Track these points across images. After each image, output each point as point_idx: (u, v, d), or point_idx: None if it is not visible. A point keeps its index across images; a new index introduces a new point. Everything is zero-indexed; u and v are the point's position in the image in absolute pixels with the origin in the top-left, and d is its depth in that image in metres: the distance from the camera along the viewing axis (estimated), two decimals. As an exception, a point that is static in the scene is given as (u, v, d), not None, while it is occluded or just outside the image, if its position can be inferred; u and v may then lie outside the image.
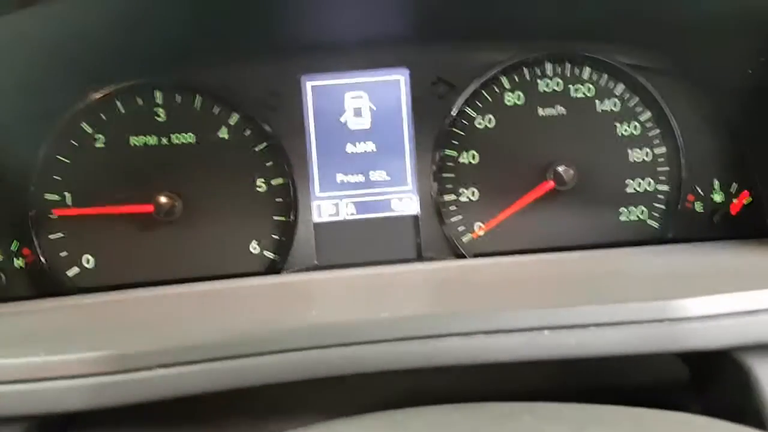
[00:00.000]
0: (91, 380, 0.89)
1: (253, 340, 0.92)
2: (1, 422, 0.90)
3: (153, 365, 0.90)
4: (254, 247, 1.60)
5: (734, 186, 1.64)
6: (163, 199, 1.53)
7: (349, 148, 1.63)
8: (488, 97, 1.63)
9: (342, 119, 1.63)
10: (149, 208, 1.53)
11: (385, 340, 0.93)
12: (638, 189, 1.64)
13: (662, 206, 1.64)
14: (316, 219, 1.61)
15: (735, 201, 1.61)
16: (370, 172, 1.63)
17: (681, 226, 1.62)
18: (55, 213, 1.55)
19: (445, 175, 1.63)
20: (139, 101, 1.58)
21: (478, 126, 1.63)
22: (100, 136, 1.57)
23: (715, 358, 0.99)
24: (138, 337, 0.98)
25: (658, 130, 1.64)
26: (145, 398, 0.89)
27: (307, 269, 1.59)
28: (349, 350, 0.93)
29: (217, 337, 0.93)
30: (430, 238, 1.61)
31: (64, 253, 1.56)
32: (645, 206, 1.64)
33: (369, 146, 1.63)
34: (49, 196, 1.55)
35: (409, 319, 0.95)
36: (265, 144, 1.60)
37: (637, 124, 1.64)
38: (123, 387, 0.89)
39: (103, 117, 1.57)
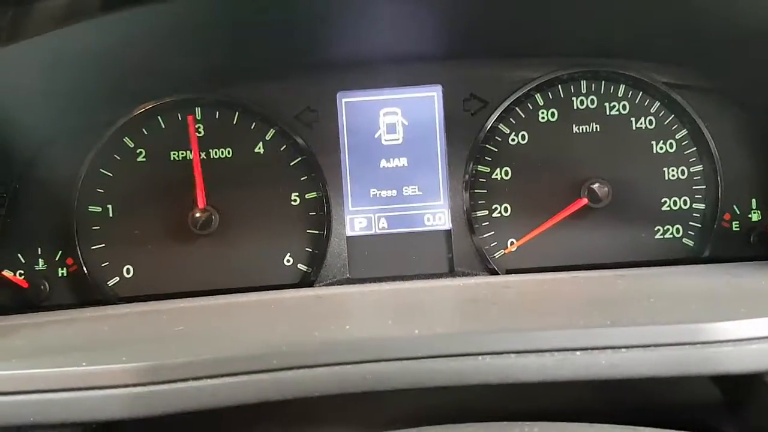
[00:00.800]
0: (129, 390, 0.92)
1: (285, 354, 0.94)
2: (43, 429, 0.93)
3: (188, 377, 0.92)
4: (288, 260, 1.62)
5: (772, 205, 1.62)
6: (199, 213, 1.57)
7: (383, 163, 1.65)
8: (521, 113, 1.64)
9: (376, 135, 1.65)
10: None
11: (416, 357, 0.94)
12: (674, 207, 1.63)
13: (698, 225, 1.63)
14: (349, 233, 1.63)
15: (773, 221, 1.59)
16: (403, 187, 1.65)
17: (717, 245, 1.60)
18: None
19: (477, 190, 1.63)
20: (180, 117, 1.62)
21: (511, 142, 1.64)
22: (142, 150, 1.62)
23: (748, 381, 0.97)
24: (174, 349, 1.00)
25: (694, 148, 1.62)
26: (181, 409, 0.92)
27: (340, 282, 1.61)
28: (381, 366, 0.94)
29: (250, 350, 0.95)
30: (462, 253, 1.62)
31: (105, 263, 1.61)
32: (681, 225, 1.63)
33: (402, 161, 1.65)
34: (92, 208, 1.60)
35: (441, 336, 0.96)
36: (300, 159, 1.63)
37: (673, 142, 1.63)
38: (159, 398, 0.91)
39: (145, 132, 1.62)
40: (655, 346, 0.93)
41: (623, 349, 0.93)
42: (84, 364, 0.94)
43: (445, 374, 0.94)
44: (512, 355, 0.94)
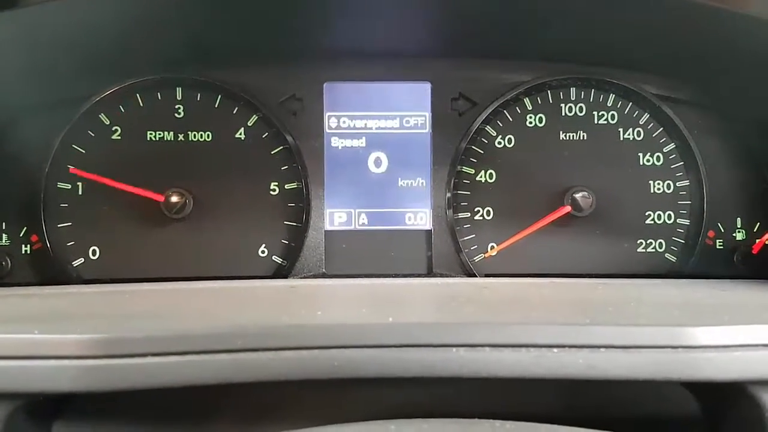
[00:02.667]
0: (82, 362, 0.86)
1: (250, 335, 0.89)
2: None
3: (146, 352, 0.87)
4: (263, 251, 1.58)
5: (757, 225, 1.60)
6: (174, 197, 1.52)
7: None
8: (509, 116, 1.61)
9: (361, 128, 1.62)
10: (160, 197, 1.52)
11: (387, 345, 0.90)
12: (658, 221, 1.61)
13: (681, 240, 1.61)
14: (327, 227, 1.59)
15: (758, 240, 1.57)
16: (386, 184, 1.61)
17: (700, 262, 1.58)
18: (71, 171, 1.53)
19: (460, 192, 1.60)
20: (159, 96, 1.58)
21: (497, 145, 1.61)
22: (118, 128, 1.57)
23: (729, 392, 0.94)
24: (134, 325, 0.95)
25: (681, 163, 1.61)
26: (135, 386, 0.86)
27: (315, 277, 1.57)
28: (350, 353, 0.89)
29: (213, 329, 0.90)
30: (441, 255, 1.59)
31: (71, 243, 1.55)
32: (664, 239, 1.61)
33: (386, 157, 1.62)
34: (61, 185, 1.55)
35: (414, 326, 0.91)
36: (281, 147, 1.59)
37: (660, 155, 1.61)
38: (113, 372, 0.86)
39: (122, 109, 1.57)
40: (635, 347, 0.90)
41: (602, 349, 0.90)
42: (36, 332, 0.88)
43: (417, 365, 0.90)
44: (487, 349, 0.90)
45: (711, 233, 1.60)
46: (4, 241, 1.54)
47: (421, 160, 1.61)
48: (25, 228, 1.55)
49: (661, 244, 1.61)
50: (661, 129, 1.61)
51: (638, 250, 1.61)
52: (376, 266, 1.58)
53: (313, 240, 1.58)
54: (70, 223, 1.55)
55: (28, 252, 1.55)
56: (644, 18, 1.39)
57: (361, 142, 1.62)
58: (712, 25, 1.38)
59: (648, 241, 1.61)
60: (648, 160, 1.61)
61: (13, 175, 1.54)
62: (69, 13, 1.29)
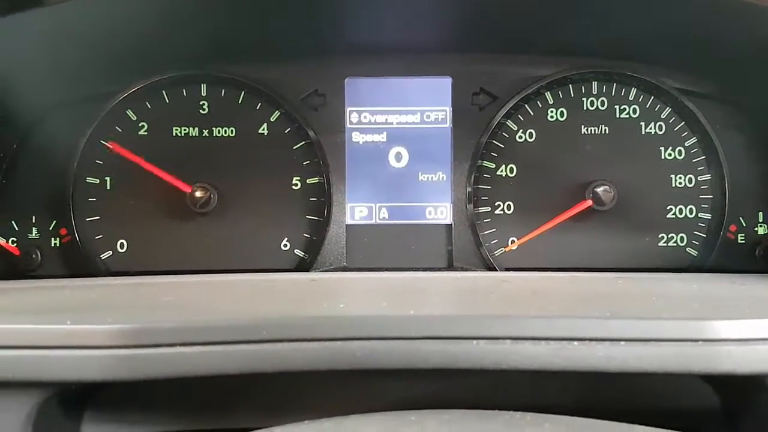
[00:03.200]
0: (112, 352, 0.89)
1: (275, 326, 0.91)
2: (21, 387, 0.90)
3: (173, 342, 0.89)
4: (285, 245, 1.60)
5: (780, 219, 1.59)
6: (198, 191, 1.55)
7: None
8: (530, 111, 1.62)
9: (382, 123, 1.64)
10: (187, 187, 1.55)
11: (410, 337, 0.91)
12: (679, 215, 1.60)
13: (703, 235, 1.60)
14: (348, 221, 1.61)
15: (780, 235, 1.57)
16: (407, 179, 1.62)
17: (721, 257, 1.58)
18: (112, 146, 1.57)
19: (481, 186, 1.61)
20: (185, 93, 1.60)
21: (518, 139, 1.62)
22: (144, 123, 1.60)
23: (749, 385, 0.95)
24: (161, 315, 0.98)
25: (703, 157, 1.60)
26: (163, 374, 0.89)
27: (336, 270, 1.59)
28: (372, 344, 0.91)
29: (239, 320, 0.92)
30: (462, 249, 1.60)
31: (99, 236, 1.58)
32: (685, 233, 1.60)
33: (407, 152, 1.63)
34: (90, 179, 1.58)
35: (436, 318, 0.93)
36: (303, 143, 1.61)
37: (681, 149, 1.60)
38: (142, 361, 0.89)
39: (149, 106, 1.60)
40: (656, 340, 0.90)
41: (622, 342, 0.90)
42: (68, 322, 0.91)
43: (437, 356, 0.91)
44: (507, 341, 0.91)
45: (732, 227, 1.59)
46: (34, 235, 1.58)
47: (441, 155, 1.62)
48: (54, 222, 1.58)
49: (682, 238, 1.60)
50: (683, 123, 1.60)
51: (659, 244, 1.60)
52: (396, 260, 1.60)
53: (335, 234, 1.60)
54: (98, 217, 1.58)
55: (58, 245, 1.59)
56: (666, 12, 1.39)
57: (382, 137, 1.63)
58: (733, 19, 1.37)
59: (669, 236, 1.60)
60: (669, 154, 1.60)
61: (42, 170, 1.58)
62: (93, 11, 1.32)
